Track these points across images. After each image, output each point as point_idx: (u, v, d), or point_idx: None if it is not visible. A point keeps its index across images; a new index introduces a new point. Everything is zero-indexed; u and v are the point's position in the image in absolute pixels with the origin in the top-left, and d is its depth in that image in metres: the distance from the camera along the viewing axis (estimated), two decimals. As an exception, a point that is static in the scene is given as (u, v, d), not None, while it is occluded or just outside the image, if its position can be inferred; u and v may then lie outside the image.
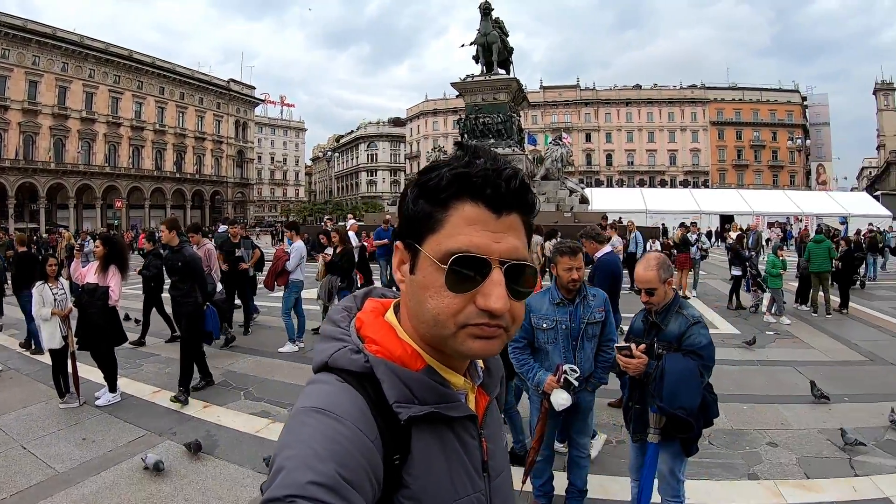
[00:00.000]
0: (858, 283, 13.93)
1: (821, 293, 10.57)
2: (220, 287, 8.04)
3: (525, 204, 0.78)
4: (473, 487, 0.82)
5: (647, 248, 13.77)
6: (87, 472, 4.09)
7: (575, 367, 3.12)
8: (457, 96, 29.79)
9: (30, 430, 4.94)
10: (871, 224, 25.57)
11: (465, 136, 24.68)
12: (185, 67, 62.60)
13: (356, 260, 9.33)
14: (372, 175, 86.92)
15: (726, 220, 32.28)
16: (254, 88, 73.74)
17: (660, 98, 69.28)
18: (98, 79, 52.39)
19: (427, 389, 0.79)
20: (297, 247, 8.19)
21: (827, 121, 67.11)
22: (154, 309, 8.48)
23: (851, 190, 64.79)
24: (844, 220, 29.28)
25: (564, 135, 39.83)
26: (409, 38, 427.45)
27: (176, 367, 5.82)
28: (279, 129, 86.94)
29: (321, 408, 0.72)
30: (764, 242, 18.73)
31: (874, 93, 72.50)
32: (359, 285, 9.62)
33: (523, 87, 27.83)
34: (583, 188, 28.10)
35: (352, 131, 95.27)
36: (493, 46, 24.80)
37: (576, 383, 3.06)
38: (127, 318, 8.14)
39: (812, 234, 11.29)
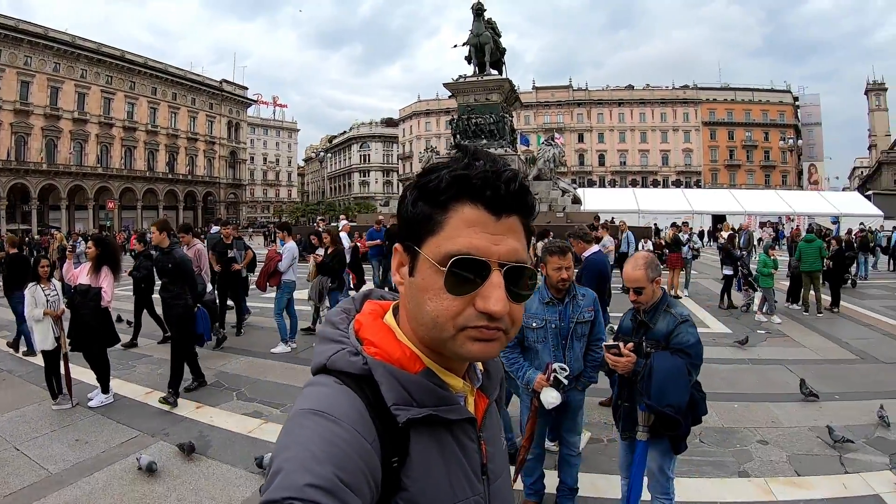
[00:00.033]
0: (850, 282, 14.05)
1: (812, 292, 10.66)
2: (209, 287, 8.01)
3: (525, 206, 0.78)
4: (472, 490, 0.82)
5: (639, 247, 13.84)
6: (80, 473, 4.08)
7: (564, 366, 3.15)
8: (449, 97, 29.78)
9: (23, 431, 4.92)
10: (862, 224, 25.74)
11: (458, 136, 24.67)
12: (177, 68, 62.28)
13: (348, 260, 9.33)
14: (364, 176, 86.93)
15: (718, 219, 32.34)
16: (246, 89, 73.51)
17: (652, 98, 69.41)
18: (90, 79, 52.02)
19: (426, 392, 0.78)
20: (289, 247, 8.19)
21: (819, 121, 67.52)
22: (145, 310, 8.46)
23: (843, 190, 65.32)
24: (836, 220, 29.39)
25: (556, 135, 39.83)
26: (402, 38, 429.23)
27: (168, 368, 5.80)
28: (272, 129, 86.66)
29: (319, 410, 0.72)
30: (756, 242, 18.85)
31: (866, 93, 73.34)
32: (351, 286, 9.63)
33: (516, 88, 27.85)
34: (575, 188, 28.20)
35: (344, 132, 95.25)
36: (486, 47, 24.77)
37: (565, 382, 3.09)
38: (119, 319, 8.11)
39: (804, 234, 11.38)
